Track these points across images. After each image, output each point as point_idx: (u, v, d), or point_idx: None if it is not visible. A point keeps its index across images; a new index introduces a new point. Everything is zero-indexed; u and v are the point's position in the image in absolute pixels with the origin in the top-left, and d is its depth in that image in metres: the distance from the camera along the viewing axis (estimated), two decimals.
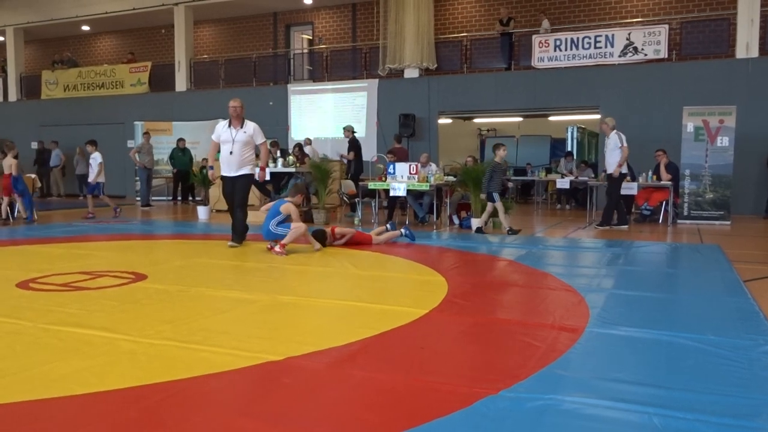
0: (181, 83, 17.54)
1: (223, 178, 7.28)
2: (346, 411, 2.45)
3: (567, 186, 12.71)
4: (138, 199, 14.26)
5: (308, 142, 13.65)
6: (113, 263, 5.96)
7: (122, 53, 20.34)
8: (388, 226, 7.91)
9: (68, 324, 3.68)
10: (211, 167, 7.55)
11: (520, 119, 18.02)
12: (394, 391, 2.65)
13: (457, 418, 2.36)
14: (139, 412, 2.41)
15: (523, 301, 4.64)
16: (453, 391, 2.61)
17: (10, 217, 10.39)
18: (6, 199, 10.10)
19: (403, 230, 7.83)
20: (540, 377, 2.79)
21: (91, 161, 11.15)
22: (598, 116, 13.65)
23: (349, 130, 11.97)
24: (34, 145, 17.95)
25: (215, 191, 12.12)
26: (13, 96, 19.96)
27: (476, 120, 18.51)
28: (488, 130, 19.36)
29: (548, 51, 13.64)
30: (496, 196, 8.80)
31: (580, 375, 2.86)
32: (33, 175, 11.84)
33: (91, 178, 11.09)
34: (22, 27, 19.82)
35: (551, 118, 17.25)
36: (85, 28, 20.49)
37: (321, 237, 7.06)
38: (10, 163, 9.99)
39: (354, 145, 11.84)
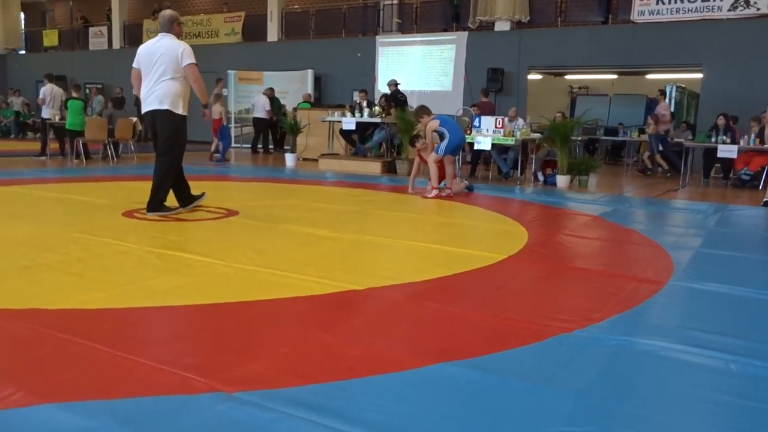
0: (272, 33, 17.87)
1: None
2: (422, 336, 2.58)
3: (661, 147, 12.17)
4: (235, 146, 14.81)
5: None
6: (208, 200, 6.31)
7: (217, 3, 20.86)
8: (465, 185, 7.90)
9: (169, 248, 3.99)
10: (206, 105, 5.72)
11: (615, 77, 17.28)
12: (468, 322, 2.75)
13: (530, 349, 2.43)
14: (235, 323, 2.63)
15: (604, 254, 4.60)
16: (527, 327, 2.69)
17: (114, 157, 11.12)
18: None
19: (463, 184, 7.81)
20: (616, 321, 2.81)
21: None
22: (700, 75, 12.92)
23: (393, 84, 12.00)
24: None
25: (302, 140, 12.46)
26: (116, 44, 20.98)
27: (567, 77, 17.91)
28: (580, 88, 18.70)
29: (650, 4, 12.92)
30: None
31: (657, 322, 2.86)
32: (134, 119, 12.53)
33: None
34: None
35: (648, 77, 16.45)
36: None
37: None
38: (219, 110, 11.72)
39: (395, 98, 11.78)
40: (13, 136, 19.21)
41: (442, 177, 7.47)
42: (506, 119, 9.48)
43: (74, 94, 11.28)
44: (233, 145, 16.35)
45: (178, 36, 5.39)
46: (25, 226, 4.62)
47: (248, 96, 15.70)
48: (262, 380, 2.05)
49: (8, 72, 23.66)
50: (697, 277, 3.71)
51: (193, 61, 5.25)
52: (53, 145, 11.81)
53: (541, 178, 9.76)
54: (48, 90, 11.54)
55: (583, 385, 2.11)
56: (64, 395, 1.89)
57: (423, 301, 3.04)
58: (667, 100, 14.55)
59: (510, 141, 9.23)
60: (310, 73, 16.32)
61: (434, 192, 7.19)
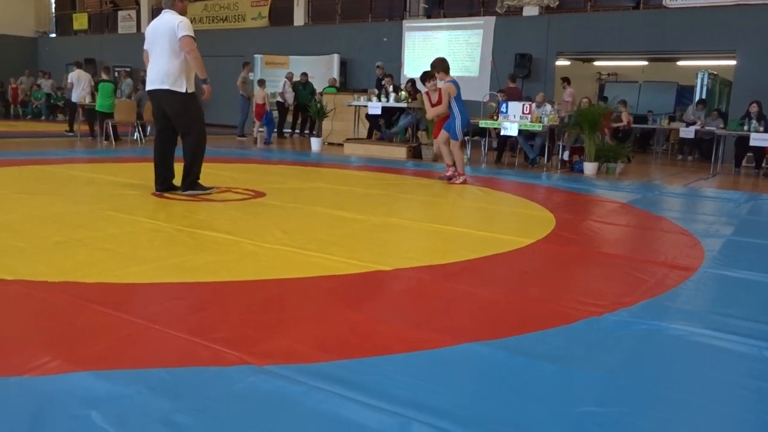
0: (299, 17, 17.86)
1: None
2: (450, 316, 2.58)
3: (691, 135, 11.96)
4: (258, 130, 14.89)
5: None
6: (236, 181, 6.37)
7: None
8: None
9: (198, 227, 4.04)
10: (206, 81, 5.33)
11: (645, 63, 16.96)
12: (496, 304, 2.75)
13: (559, 331, 2.42)
14: (263, 300, 2.66)
15: (633, 240, 4.54)
16: (555, 310, 2.67)
17: (142, 139, 11.26)
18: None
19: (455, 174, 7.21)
20: (646, 306, 2.78)
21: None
22: (733, 62, 12.63)
23: (380, 67, 12.19)
24: None
25: (327, 124, 12.47)
26: (144, 27, 21.11)
27: (596, 63, 17.62)
28: (609, 74, 18.41)
29: None
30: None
31: (688, 307, 2.82)
32: None
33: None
34: None
35: (679, 63, 16.12)
36: None
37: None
38: (263, 95, 12.64)
39: (378, 82, 11.96)
40: (43, 117, 19.54)
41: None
42: (533, 105, 9.39)
43: (104, 77, 11.45)
44: (259, 129, 16.46)
45: (181, 12, 5.22)
46: (58, 204, 4.71)
47: (274, 80, 15.72)
48: (291, 355, 2.07)
49: (39, 55, 24.01)
50: (728, 264, 3.66)
51: (188, 33, 5.07)
52: (83, 127, 12.03)
53: (565, 159, 9.61)
54: (75, 75, 12.00)
55: (613, 367, 2.10)
56: (99, 364, 1.93)
57: (450, 283, 3.04)
58: (697, 87, 14.25)
59: (537, 127, 9.14)
60: (336, 57, 16.29)
61: (462, 177, 7.10)
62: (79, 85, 11.98)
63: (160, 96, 5.17)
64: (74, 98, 12.10)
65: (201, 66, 5.18)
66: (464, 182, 7.06)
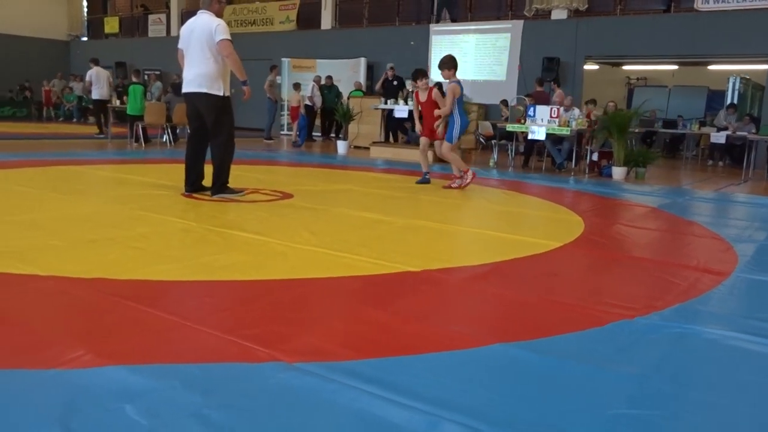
0: (326, 21, 17.96)
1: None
2: (480, 317, 2.57)
3: (722, 141, 11.72)
4: (286, 133, 15.02)
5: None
6: (263, 183, 6.42)
7: None
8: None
9: (228, 227, 4.08)
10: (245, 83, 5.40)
11: (675, 67, 16.73)
12: (526, 305, 2.73)
13: (590, 333, 2.40)
14: (293, 298, 2.67)
15: (665, 244, 4.48)
16: (586, 313, 2.64)
17: (172, 141, 11.42)
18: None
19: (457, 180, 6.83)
20: (678, 309, 2.74)
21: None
22: (765, 66, 12.40)
23: (392, 69, 12.85)
24: None
25: (353, 127, 12.51)
26: (174, 31, 21.43)
27: (625, 67, 17.43)
28: (638, 79, 18.19)
29: None
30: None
31: (722, 311, 2.77)
32: None
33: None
34: None
35: (711, 68, 15.87)
36: None
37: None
38: (297, 98, 13.31)
39: (388, 83, 12.60)
40: (75, 120, 19.91)
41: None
42: (561, 109, 9.31)
43: (134, 80, 11.67)
44: (284, 132, 16.61)
45: (218, 15, 5.20)
46: (90, 204, 4.79)
47: (302, 84, 15.81)
48: (320, 353, 2.08)
49: (71, 58, 24.50)
50: (763, 269, 3.58)
51: (226, 36, 5.07)
52: (115, 129, 12.25)
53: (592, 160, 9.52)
54: (94, 73, 12.48)
55: (645, 370, 2.07)
56: (131, 358, 1.96)
57: (479, 284, 3.02)
58: (729, 92, 13.99)
59: (565, 131, 9.06)
60: (362, 61, 16.34)
61: (470, 176, 6.65)
62: (98, 82, 12.46)
63: (196, 98, 5.17)
64: (95, 95, 12.56)
65: (240, 68, 5.21)
66: (473, 176, 6.71)
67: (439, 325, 2.42)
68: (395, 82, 12.66)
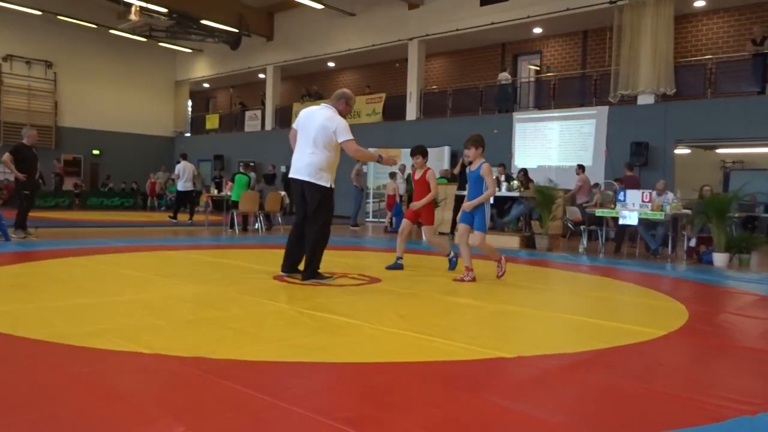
0: (411, 112, 18.57)
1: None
2: (582, 409, 2.42)
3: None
4: (371, 220, 15.33)
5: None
6: (351, 267, 6.50)
7: (360, 86, 22.12)
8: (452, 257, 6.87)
9: (318, 309, 4.12)
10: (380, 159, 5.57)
11: None
12: (632, 397, 2.55)
13: (709, 429, 2.20)
14: (386, 382, 2.63)
15: None
16: (701, 407, 2.44)
17: (261, 229, 11.87)
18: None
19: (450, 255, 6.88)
20: None
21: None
22: None
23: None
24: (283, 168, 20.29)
25: (438, 214, 12.58)
26: (269, 125, 22.77)
27: (719, 150, 16.83)
28: (734, 162, 17.48)
29: None
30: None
31: None
32: (282, 193, 13.38)
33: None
34: (280, 65, 22.63)
35: None
36: (330, 64, 22.75)
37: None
38: (393, 186, 14.01)
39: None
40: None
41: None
42: (654, 193, 9.03)
43: (241, 170, 12.54)
44: (369, 218, 16.93)
45: (343, 114, 5.33)
46: (190, 286, 4.99)
47: (386, 172, 16.23)
48: None
49: (175, 152, 26.37)
50: None
51: (349, 137, 5.18)
52: (212, 217, 12.92)
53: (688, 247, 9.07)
54: (182, 167, 13.81)
55: None
56: None
57: (579, 373, 2.87)
58: None
59: (659, 216, 8.74)
60: (446, 149, 16.66)
61: (503, 263, 6.10)
62: (183, 175, 13.55)
63: (303, 186, 5.28)
64: (179, 187, 13.67)
65: (369, 157, 5.69)
66: (505, 262, 6.16)
67: (538, 414, 2.29)
68: (503, 178, 12.59)
